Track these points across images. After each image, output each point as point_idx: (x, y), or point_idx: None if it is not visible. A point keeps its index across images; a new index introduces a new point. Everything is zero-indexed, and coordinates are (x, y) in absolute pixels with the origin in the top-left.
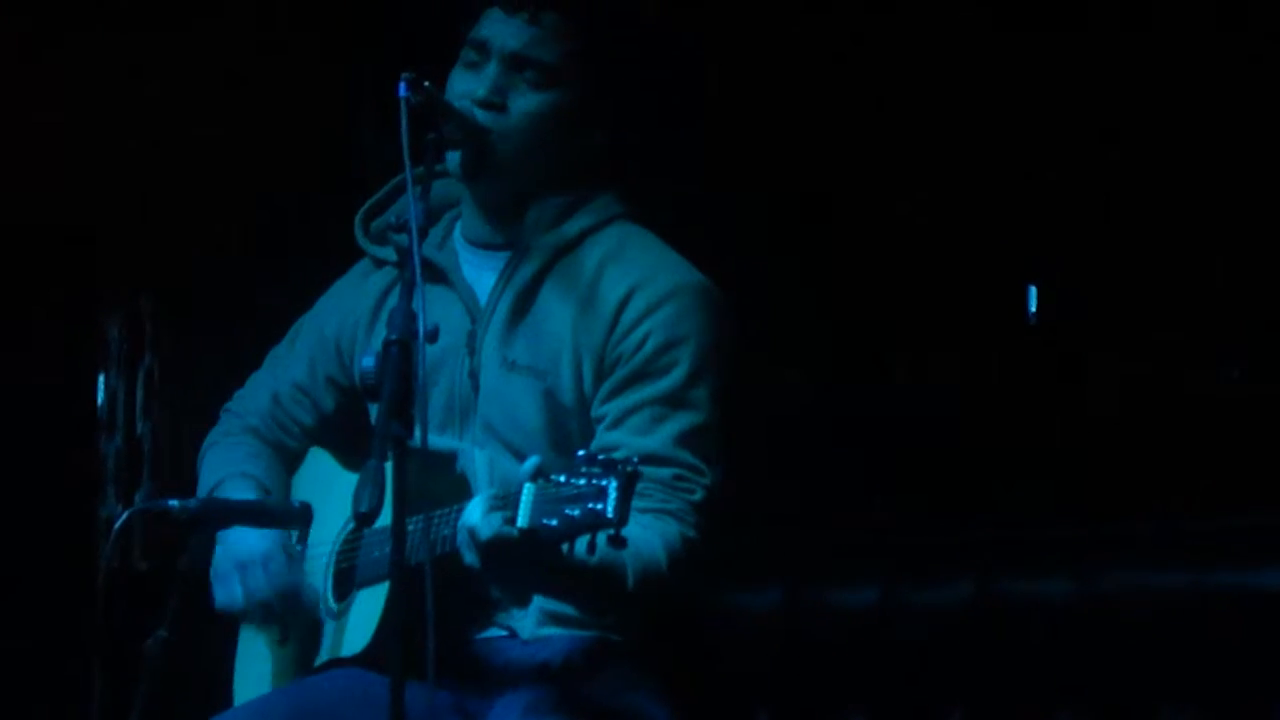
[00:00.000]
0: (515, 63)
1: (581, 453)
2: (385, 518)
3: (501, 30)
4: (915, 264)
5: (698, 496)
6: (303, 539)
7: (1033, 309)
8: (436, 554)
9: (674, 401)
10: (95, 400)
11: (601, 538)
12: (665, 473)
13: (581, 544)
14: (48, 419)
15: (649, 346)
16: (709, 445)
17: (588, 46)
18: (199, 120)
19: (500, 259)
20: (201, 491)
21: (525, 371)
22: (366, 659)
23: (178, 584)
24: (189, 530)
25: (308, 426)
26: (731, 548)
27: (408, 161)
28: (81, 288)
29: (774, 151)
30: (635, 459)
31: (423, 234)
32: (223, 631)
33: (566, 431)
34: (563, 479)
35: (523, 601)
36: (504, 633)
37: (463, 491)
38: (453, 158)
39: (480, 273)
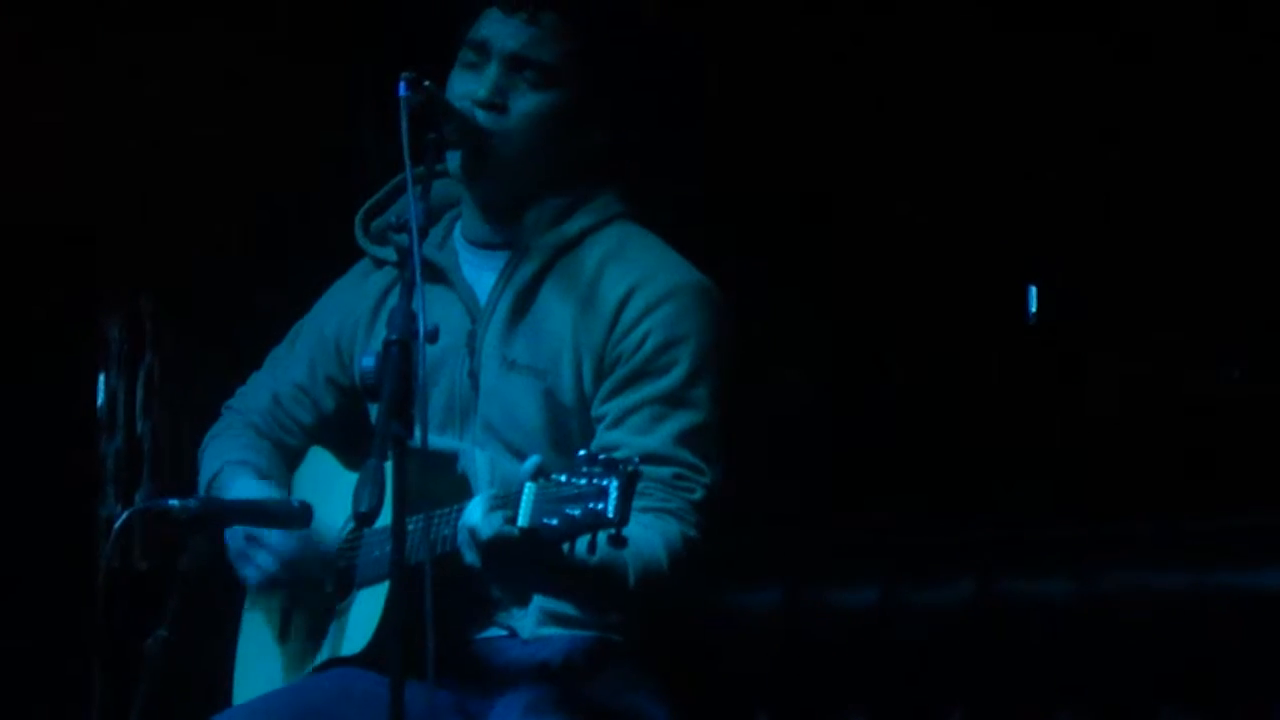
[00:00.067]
0: (515, 63)
1: (582, 452)
2: (385, 517)
3: (501, 30)
4: (915, 264)
5: (698, 496)
6: None
7: (1033, 309)
8: (437, 554)
9: (674, 400)
10: (95, 400)
11: (602, 537)
12: (665, 472)
13: (582, 544)
14: (48, 419)
15: (649, 346)
16: (709, 444)
17: (587, 46)
18: (199, 120)
19: (500, 259)
20: (201, 481)
21: (525, 371)
22: (366, 659)
23: (178, 584)
24: (189, 530)
25: (308, 426)
26: (731, 548)
27: (408, 161)
28: (81, 288)
29: (774, 151)
30: (635, 458)
31: (423, 234)
32: (223, 631)
33: (567, 431)
34: (563, 479)
35: (523, 601)
36: (504, 632)
37: (463, 491)
38: (452, 158)
39: (480, 272)
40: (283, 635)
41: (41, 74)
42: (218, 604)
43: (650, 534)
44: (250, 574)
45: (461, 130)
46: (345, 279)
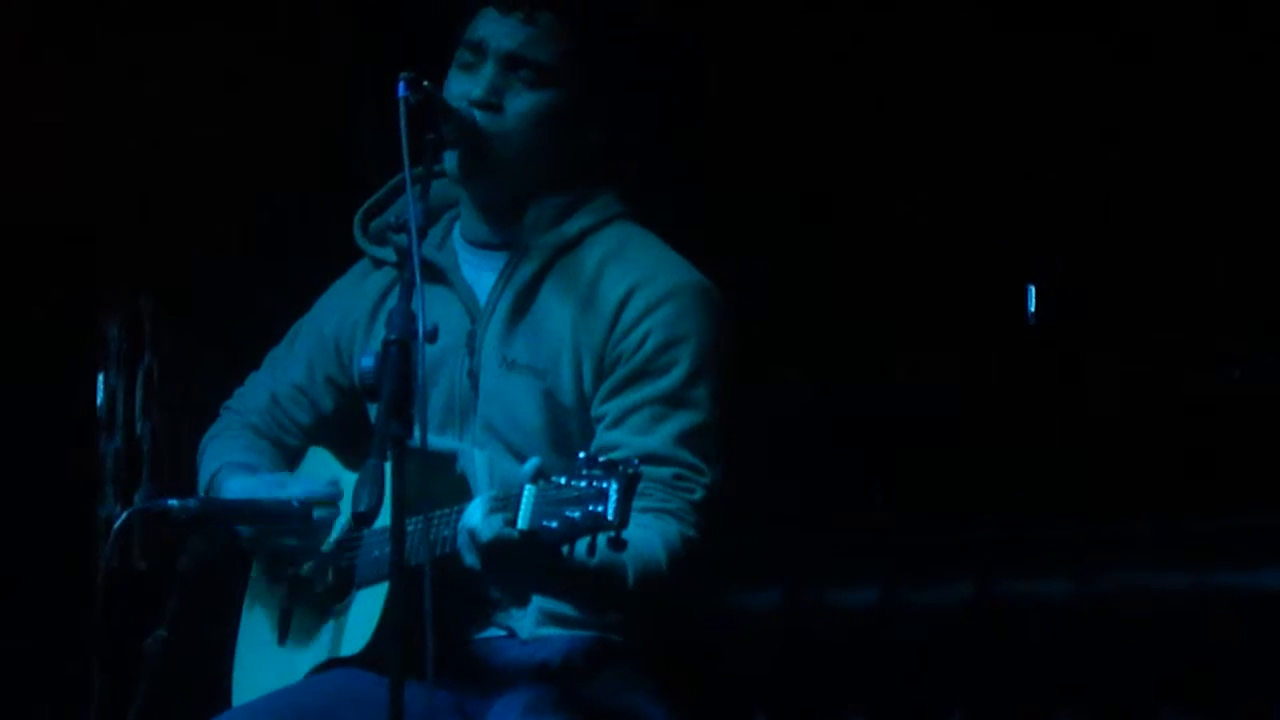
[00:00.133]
0: (511, 62)
1: (582, 454)
2: (384, 518)
3: (497, 30)
4: (915, 264)
5: (697, 496)
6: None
7: (1032, 309)
8: (436, 555)
9: (674, 401)
10: (95, 400)
11: (602, 539)
12: (665, 472)
13: (581, 545)
14: (47, 419)
15: (649, 346)
16: (709, 445)
17: (583, 45)
18: (199, 120)
19: (500, 259)
20: (200, 482)
21: (525, 371)
22: (365, 659)
23: (177, 584)
24: (188, 530)
25: (306, 426)
26: (731, 548)
27: (406, 162)
28: (81, 288)
29: (774, 151)
30: (635, 459)
31: (422, 234)
32: (222, 631)
33: (566, 431)
34: (563, 481)
35: (522, 602)
36: (503, 633)
37: (462, 492)
38: (450, 158)
39: (480, 273)
40: (282, 636)
41: (41, 74)
42: (217, 604)
43: (649, 535)
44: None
45: (460, 130)
46: (344, 279)
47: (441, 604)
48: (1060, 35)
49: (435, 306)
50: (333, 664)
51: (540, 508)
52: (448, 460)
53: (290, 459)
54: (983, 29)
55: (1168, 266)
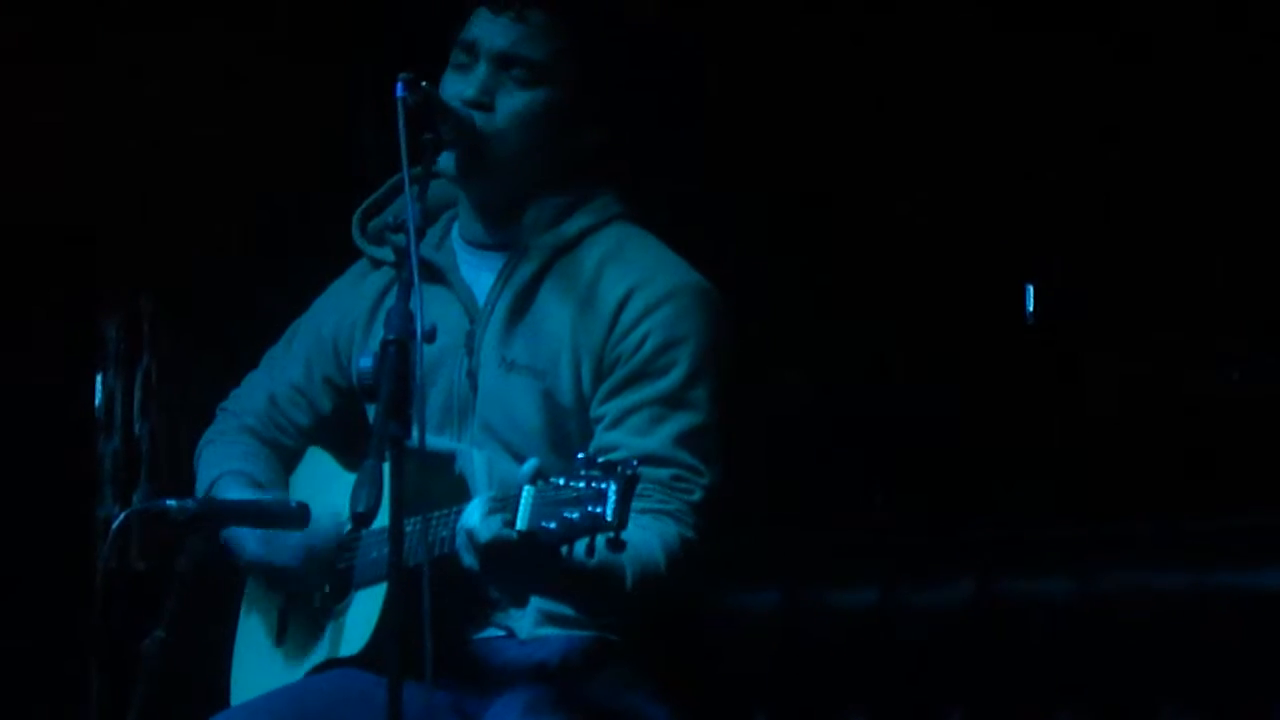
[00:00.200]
0: (503, 61)
1: (581, 455)
2: (383, 518)
3: (489, 30)
4: (915, 264)
5: (696, 497)
6: None
7: (1031, 309)
8: (434, 555)
9: (673, 402)
10: (93, 401)
11: (600, 540)
12: (664, 473)
13: (580, 546)
14: (46, 419)
15: (648, 347)
16: (708, 445)
17: (576, 44)
18: (199, 120)
19: (499, 259)
20: (198, 489)
21: (524, 371)
22: (364, 659)
23: (175, 584)
24: (187, 531)
25: (304, 427)
26: (731, 548)
27: (405, 162)
28: (81, 288)
29: (774, 151)
30: (634, 460)
31: (420, 234)
32: (221, 632)
33: (565, 432)
34: (562, 482)
35: (521, 602)
36: (502, 633)
37: (461, 492)
38: (446, 158)
39: (479, 273)
40: (280, 636)
41: (41, 74)
42: (215, 605)
43: (648, 536)
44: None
45: (458, 130)
46: (343, 279)
47: (440, 604)
48: (1060, 35)
49: (434, 307)
50: (331, 664)
51: (539, 509)
52: (446, 461)
53: (288, 460)
54: (983, 29)
55: (1167, 266)
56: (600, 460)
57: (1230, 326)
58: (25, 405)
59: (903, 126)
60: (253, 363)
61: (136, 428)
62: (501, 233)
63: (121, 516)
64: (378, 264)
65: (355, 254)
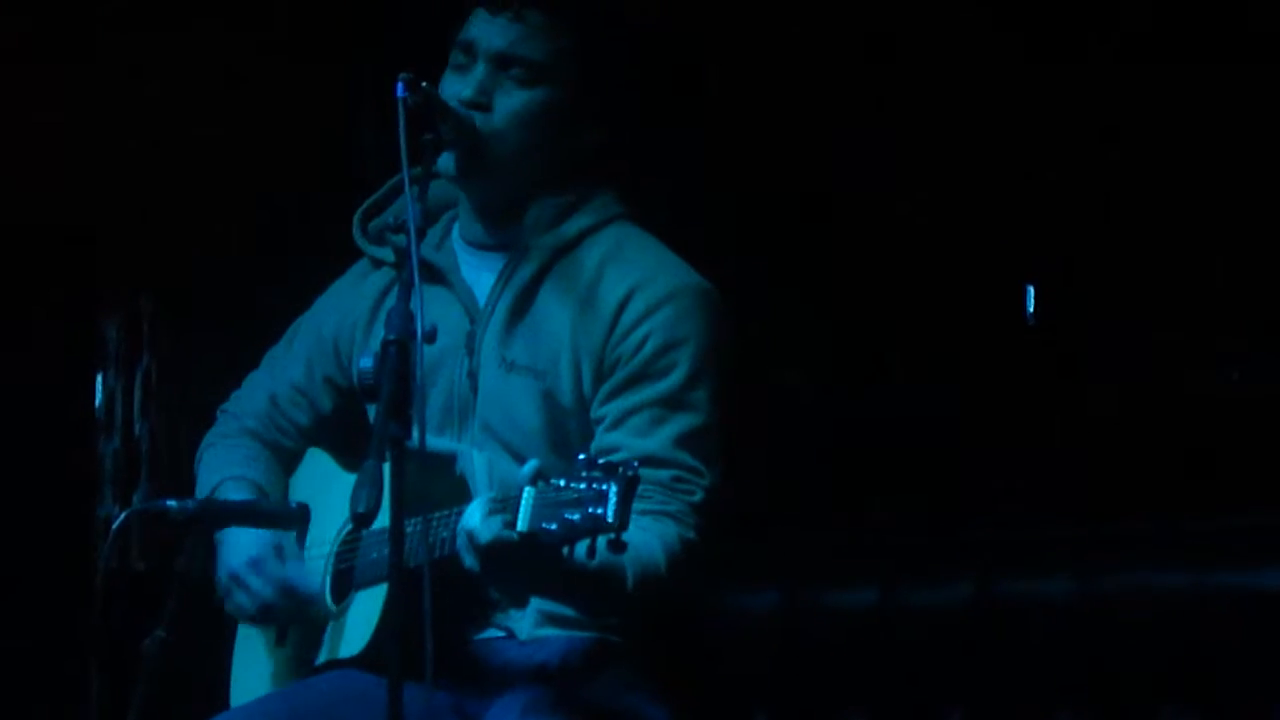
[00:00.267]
0: (501, 61)
1: (582, 456)
2: (383, 519)
3: (487, 30)
4: (915, 264)
5: (697, 498)
6: (300, 540)
7: (1031, 309)
8: (435, 556)
9: (673, 403)
10: (93, 401)
11: (601, 542)
12: (664, 474)
13: (581, 547)
14: (46, 419)
15: (648, 348)
16: (708, 446)
17: (575, 44)
18: (199, 120)
19: (499, 259)
20: (199, 493)
21: (524, 372)
22: (365, 660)
23: (175, 584)
24: (187, 531)
25: (305, 427)
26: (731, 549)
27: (405, 162)
28: (81, 288)
29: (774, 151)
30: (635, 461)
31: (420, 234)
32: (221, 632)
33: (565, 432)
34: (562, 483)
35: (521, 603)
36: (502, 633)
37: (461, 493)
38: (447, 158)
39: (479, 273)
40: (280, 637)
41: (41, 74)
42: (215, 605)
43: (649, 537)
44: (243, 601)
45: (458, 130)
46: (343, 279)
47: (440, 605)
48: (1060, 35)
49: (434, 307)
50: (332, 665)
51: (539, 510)
52: (447, 461)
53: (288, 462)
54: (983, 29)
55: (1167, 266)
56: (601, 461)
57: (1230, 326)
58: (25, 405)
59: (903, 127)
60: (253, 363)
61: (136, 428)
62: (501, 233)
63: (121, 516)
64: (378, 264)
65: (355, 254)
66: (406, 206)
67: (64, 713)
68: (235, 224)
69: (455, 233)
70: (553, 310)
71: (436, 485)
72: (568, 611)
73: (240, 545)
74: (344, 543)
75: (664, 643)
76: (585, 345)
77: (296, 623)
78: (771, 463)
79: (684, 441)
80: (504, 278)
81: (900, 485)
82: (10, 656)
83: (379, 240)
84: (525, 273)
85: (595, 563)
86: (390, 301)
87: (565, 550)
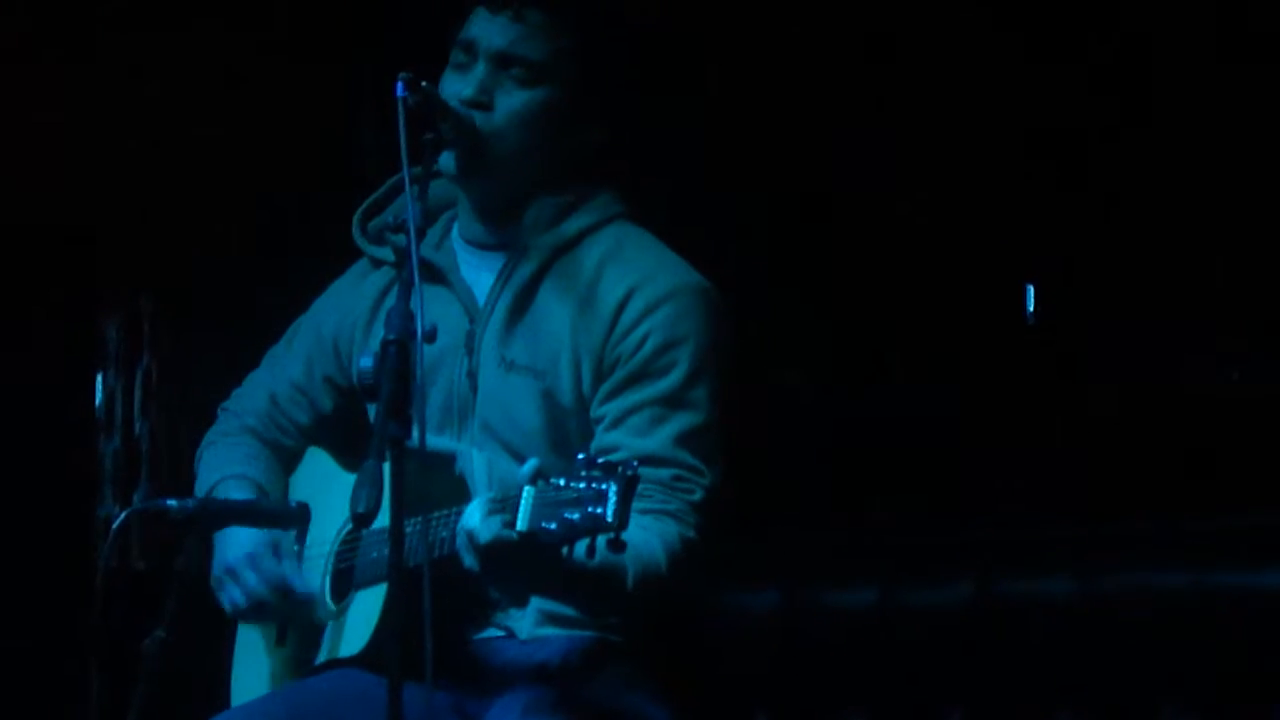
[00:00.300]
0: (502, 61)
1: (581, 456)
2: (383, 518)
3: (487, 29)
4: (915, 264)
5: (697, 497)
6: (300, 539)
7: (1031, 309)
8: (435, 556)
9: (673, 402)
10: (93, 400)
11: (601, 541)
12: (664, 473)
13: (581, 547)
14: (46, 419)
15: (648, 347)
16: (708, 446)
17: (575, 43)
18: (199, 120)
19: (498, 259)
20: (199, 491)
21: (524, 371)
22: (364, 660)
23: (175, 584)
24: (187, 530)
25: (305, 426)
26: (730, 548)
27: (405, 162)
28: (81, 288)
29: (774, 151)
30: (634, 461)
31: (420, 234)
32: (221, 632)
33: (565, 432)
34: (562, 482)
35: (521, 602)
36: (502, 633)
37: (461, 492)
38: (445, 158)
39: (478, 273)
40: (280, 636)
41: (41, 74)
42: (215, 605)
43: (649, 536)
44: (236, 596)
45: (458, 130)
46: (343, 279)
47: (440, 605)
48: (1060, 36)
49: (434, 306)
50: (332, 664)
51: (539, 509)
52: (446, 461)
53: (288, 461)
54: (983, 29)
55: (1167, 266)
56: (600, 461)
57: (1230, 326)
58: (25, 405)
59: (902, 126)
60: (253, 363)
61: (136, 428)
62: (501, 233)
63: (121, 516)
64: (378, 264)
65: (355, 254)
66: (406, 206)
67: (64, 713)
68: (235, 224)
69: (455, 232)
70: (552, 309)
71: (436, 485)
72: (568, 611)
73: (237, 541)
74: (344, 542)
75: (664, 642)
76: (585, 344)
77: (288, 621)
78: (771, 463)
79: (684, 440)
80: (504, 277)
81: (900, 485)
82: (10, 656)
83: (379, 240)
84: (525, 272)
85: (595, 562)
86: (390, 301)
87: (565, 550)
